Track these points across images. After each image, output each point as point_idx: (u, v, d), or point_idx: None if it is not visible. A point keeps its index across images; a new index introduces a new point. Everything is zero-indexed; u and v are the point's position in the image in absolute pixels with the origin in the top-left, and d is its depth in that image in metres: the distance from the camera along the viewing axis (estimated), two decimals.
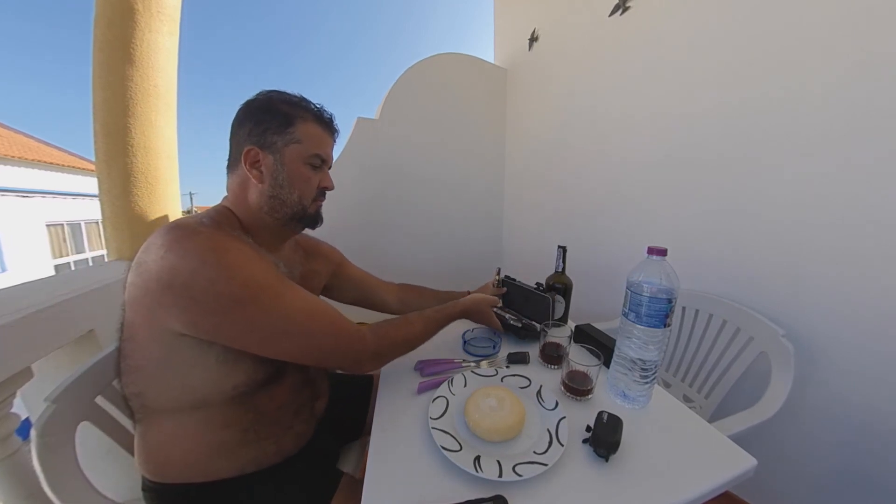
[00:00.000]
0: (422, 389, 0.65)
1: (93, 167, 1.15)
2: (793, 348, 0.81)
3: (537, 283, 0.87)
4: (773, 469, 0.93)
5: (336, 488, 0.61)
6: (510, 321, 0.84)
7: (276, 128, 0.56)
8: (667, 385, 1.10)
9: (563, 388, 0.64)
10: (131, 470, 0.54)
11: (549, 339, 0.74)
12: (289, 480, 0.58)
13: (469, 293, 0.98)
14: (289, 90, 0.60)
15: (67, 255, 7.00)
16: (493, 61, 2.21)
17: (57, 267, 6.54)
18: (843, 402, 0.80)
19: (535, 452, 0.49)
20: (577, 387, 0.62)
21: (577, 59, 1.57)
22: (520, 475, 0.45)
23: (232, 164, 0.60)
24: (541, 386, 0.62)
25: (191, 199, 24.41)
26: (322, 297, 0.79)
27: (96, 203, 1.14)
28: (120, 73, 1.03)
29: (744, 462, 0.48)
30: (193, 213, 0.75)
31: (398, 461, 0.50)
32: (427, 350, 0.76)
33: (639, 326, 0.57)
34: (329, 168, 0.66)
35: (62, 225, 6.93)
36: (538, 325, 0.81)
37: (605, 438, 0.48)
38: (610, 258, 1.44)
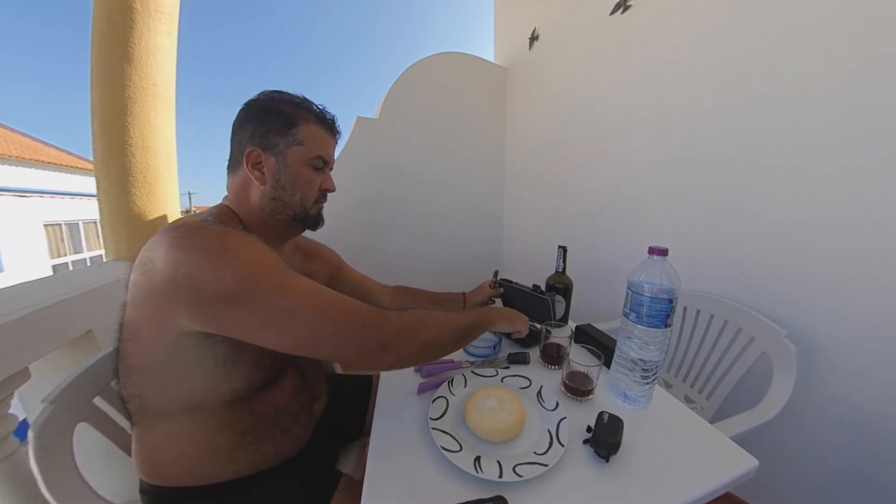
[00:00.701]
0: (422, 390, 0.65)
1: (91, 167, 1.15)
2: (795, 349, 0.81)
3: (534, 286, 0.87)
4: (775, 470, 0.93)
5: (335, 489, 0.61)
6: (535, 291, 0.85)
7: (278, 129, 0.56)
8: (668, 386, 1.10)
9: (563, 388, 0.64)
10: (129, 471, 0.54)
11: (550, 339, 0.74)
12: (287, 482, 0.58)
13: (465, 294, 0.98)
14: (290, 90, 0.60)
15: (65, 255, 6.97)
16: (493, 60, 2.20)
17: (55, 267, 6.52)
18: (844, 402, 0.80)
19: (535, 453, 0.49)
20: (578, 387, 0.62)
21: (578, 59, 1.57)
22: (520, 476, 0.45)
23: (233, 165, 0.59)
24: (541, 386, 0.62)
25: (189, 198, 24.37)
26: None
27: (94, 203, 1.14)
28: (118, 71, 1.03)
29: (745, 463, 0.48)
30: (192, 213, 0.75)
31: (398, 462, 0.50)
32: None
33: (640, 327, 0.57)
34: (331, 169, 0.66)
35: (60, 225, 6.91)
36: (539, 326, 0.80)
37: (605, 439, 0.48)
38: (610, 258, 1.44)
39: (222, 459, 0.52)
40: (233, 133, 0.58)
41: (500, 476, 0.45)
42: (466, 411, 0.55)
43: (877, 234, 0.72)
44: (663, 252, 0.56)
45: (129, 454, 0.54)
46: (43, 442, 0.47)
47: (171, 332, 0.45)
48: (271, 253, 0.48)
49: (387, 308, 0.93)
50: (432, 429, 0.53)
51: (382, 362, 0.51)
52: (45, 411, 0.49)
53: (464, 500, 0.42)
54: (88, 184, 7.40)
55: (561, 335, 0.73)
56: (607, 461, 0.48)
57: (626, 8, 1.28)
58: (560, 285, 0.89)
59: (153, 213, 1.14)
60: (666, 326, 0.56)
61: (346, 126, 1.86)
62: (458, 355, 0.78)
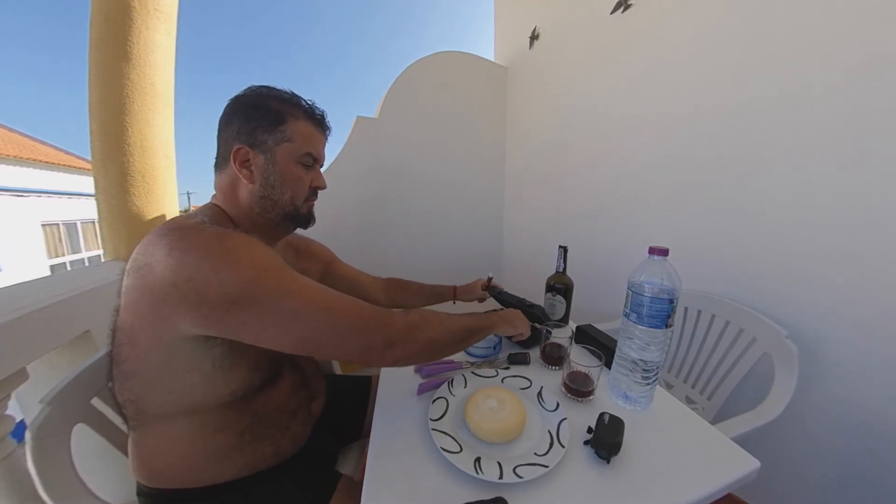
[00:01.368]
0: (422, 390, 0.64)
1: (89, 166, 1.14)
2: (796, 349, 0.81)
3: (526, 301, 0.87)
4: (776, 471, 0.93)
5: (334, 490, 0.60)
6: (526, 304, 0.85)
7: (266, 126, 0.54)
8: (669, 386, 1.10)
9: (563, 389, 0.64)
10: (127, 472, 0.53)
11: (550, 339, 0.74)
12: (286, 483, 0.58)
13: (455, 288, 0.99)
14: (290, 88, 0.59)
15: (63, 255, 6.95)
16: (493, 60, 2.20)
17: (52, 267, 6.50)
18: (846, 403, 0.80)
19: (535, 454, 0.49)
20: (579, 388, 0.62)
21: (578, 58, 1.57)
22: (520, 477, 0.45)
23: (220, 163, 0.58)
24: (542, 387, 0.62)
25: (188, 198, 24.32)
26: None
27: (92, 202, 1.13)
28: (116, 70, 1.02)
29: (747, 464, 0.48)
30: (185, 213, 0.74)
31: (398, 463, 0.49)
32: None
33: (640, 327, 0.57)
34: (321, 166, 0.64)
35: (58, 225, 6.89)
36: (540, 326, 0.80)
37: (606, 440, 0.48)
38: (610, 258, 1.44)
39: (221, 461, 0.52)
40: (219, 130, 0.57)
41: (501, 477, 0.45)
42: (466, 412, 0.55)
43: (877, 234, 0.72)
44: (664, 252, 0.56)
45: (127, 455, 0.54)
46: (40, 443, 0.47)
47: (170, 337, 0.44)
48: (272, 253, 0.48)
49: (379, 302, 0.94)
50: (432, 429, 0.52)
51: (387, 359, 0.52)
52: (42, 412, 0.48)
53: (464, 502, 0.42)
54: (86, 183, 7.38)
55: (561, 335, 0.73)
56: (608, 462, 0.48)
57: (627, 7, 1.28)
58: (560, 285, 0.89)
59: (152, 213, 1.14)
60: (667, 327, 0.56)
61: (345, 125, 1.87)
62: (458, 355, 0.77)
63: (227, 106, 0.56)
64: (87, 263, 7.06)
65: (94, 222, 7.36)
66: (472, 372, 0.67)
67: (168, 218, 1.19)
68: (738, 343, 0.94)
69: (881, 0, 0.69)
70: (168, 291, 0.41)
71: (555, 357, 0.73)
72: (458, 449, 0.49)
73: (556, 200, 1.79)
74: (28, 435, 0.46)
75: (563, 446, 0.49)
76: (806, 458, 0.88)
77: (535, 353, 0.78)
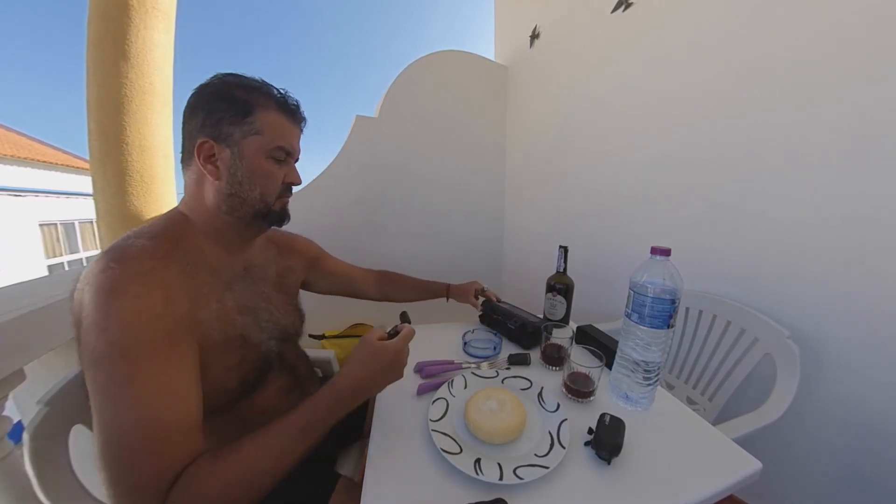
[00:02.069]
0: (421, 391, 0.64)
1: (87, 166, 1.14)
2: (798, 350, 0.80)
3: (513, 315, 0.86)
4: (778, 472, 0.93)
5: (333, 491, 0.60)
6: (509, 325, 0.84)
7: (231, 117, 0.50)
8: (670, 387, 1.10)
9: (564, 389, 0.64)
10: None
11: (551, 340, 0.74)
12: (284, 485, 0.57)
13: (449, 287, 0.98)
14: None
15: (61, 255, 6.92)
16: (493, 59, 2.20)
17: (50, 267, 6.47)
18: (847, 403, 0.80)
19: (536, 455, 0.49)
20: (579, 388, 0.62)
21: (579, 57, 1.57)
22: (521, 478, 0.44)
23: (185, 159, 0.53)
24: (542, 388, 0.62)
25: None
26: (303, 293, 0.78)
27: (90, 202, 1.13)
28: (114, 70, 1.02)
29: (748, 465, 0.48)
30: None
31: (397, 464, 0.49)
32: (427, 351, 0.75)
33: (642, 327, 0.57)
34: (296, 161, 0.60)
35: (56, 224, 6.86)
36: (539, 325, 0.80)
37: (607, 441, 0.48)
38: (611, 258, 1.44)
39: None
40: (183, 122, 0.52)
41: (501, 478, 0.45)
42: (467, 413, 0.55)
43: (878, 234, 0.72)
44: (666, 252, 0.56)
45: None
46: (38, 444, 0.47)
47: None
48: (151, 327, 0.41)
49: (369, 296, 0.93)
50: (432, 430, 0.52)
51: None
52: (39, 413, 0.48)
53: (464, 503, 0.42)
54: (85, 183, 7.36)
55: (562, 336, 0.73)
56: (609, 463, 0.47)
57: (628, 6, 1.28)
58: (561, 285, 0.89)
59: (150, 212, 1.13)
60: (668, 327, 0.56)
61: (345, 125, 1.86)
62: (458, 356, 0.77)
63: (192, 96, 0.52)
64: (85, 264, 7.04)
65: (92, 222, 7.33)
66: (473, 372, 0.67)
67: None
68: (740, 343, 0.94)
69: (881, 0, 0.69)
70: (75, 323, 0.42)
71: (555, 357, 0.73)
72: (459, 450, 0.49)
73: (556, 200, 1.78)
74: (25, 436, 0.46)
75: (564, 447, 0.49)
76: (807, 458, 0.88)
77: (535, 354, 0.78)
